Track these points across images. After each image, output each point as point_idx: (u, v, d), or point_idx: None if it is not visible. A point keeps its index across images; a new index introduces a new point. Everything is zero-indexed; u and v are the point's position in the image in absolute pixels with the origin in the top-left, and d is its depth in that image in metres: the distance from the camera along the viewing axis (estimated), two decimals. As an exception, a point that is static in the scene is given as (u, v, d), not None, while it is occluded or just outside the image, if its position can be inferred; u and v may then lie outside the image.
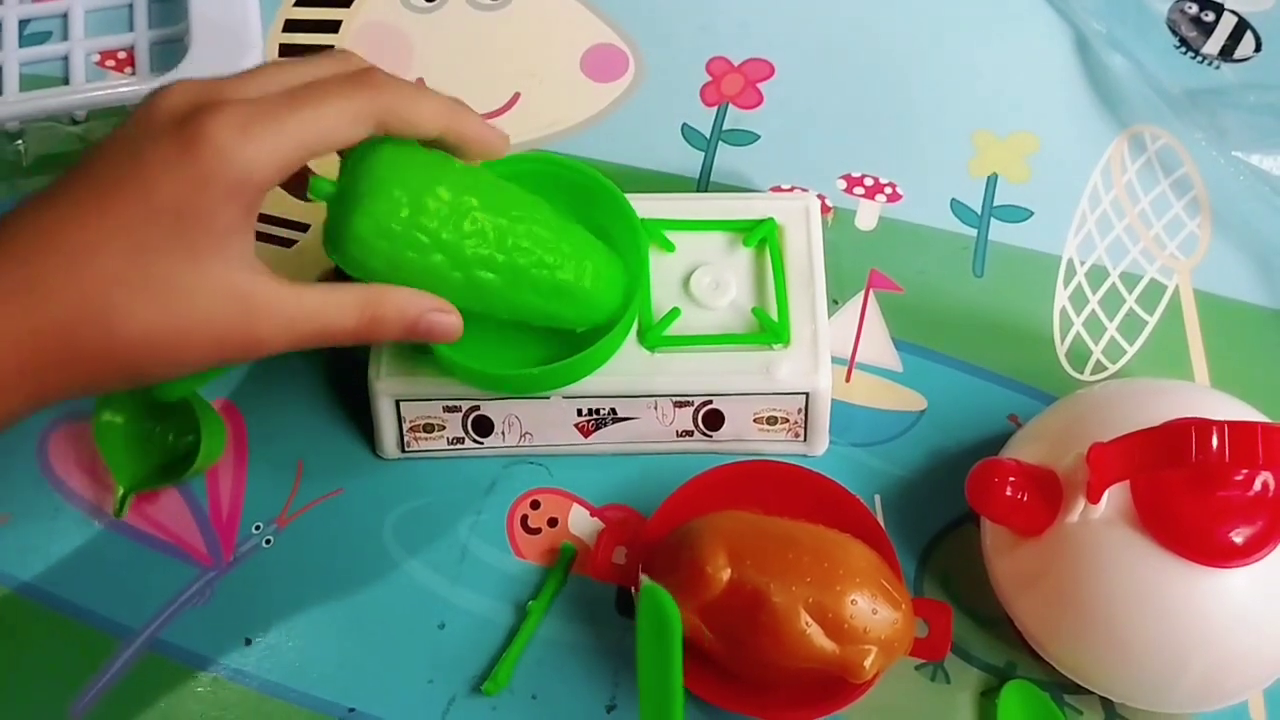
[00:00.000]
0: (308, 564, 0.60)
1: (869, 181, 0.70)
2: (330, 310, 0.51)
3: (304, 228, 0.68)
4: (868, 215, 0.69)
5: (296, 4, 0.76)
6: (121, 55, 0.73)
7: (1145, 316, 0.66)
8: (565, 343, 0.58)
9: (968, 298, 0.66)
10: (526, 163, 0.61)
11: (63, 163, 0.70)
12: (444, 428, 0.61)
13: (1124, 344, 0.65)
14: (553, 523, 0.61)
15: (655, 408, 0.60)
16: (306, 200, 0.53)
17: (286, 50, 0.74)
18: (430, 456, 0.62)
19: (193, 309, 0.48)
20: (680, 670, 0.49)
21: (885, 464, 0.62)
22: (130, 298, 0.47)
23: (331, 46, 0.74)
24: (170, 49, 0.73)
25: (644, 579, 0.53)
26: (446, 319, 0.54)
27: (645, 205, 0.63)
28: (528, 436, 0.61)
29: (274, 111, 0.48)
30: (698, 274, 0.62)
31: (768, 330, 0.60)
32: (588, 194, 0.60)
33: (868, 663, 0.52)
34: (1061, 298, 0.67)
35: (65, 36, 0.74)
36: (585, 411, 0.60)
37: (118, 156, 0.48)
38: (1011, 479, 0.54)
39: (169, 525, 0.61)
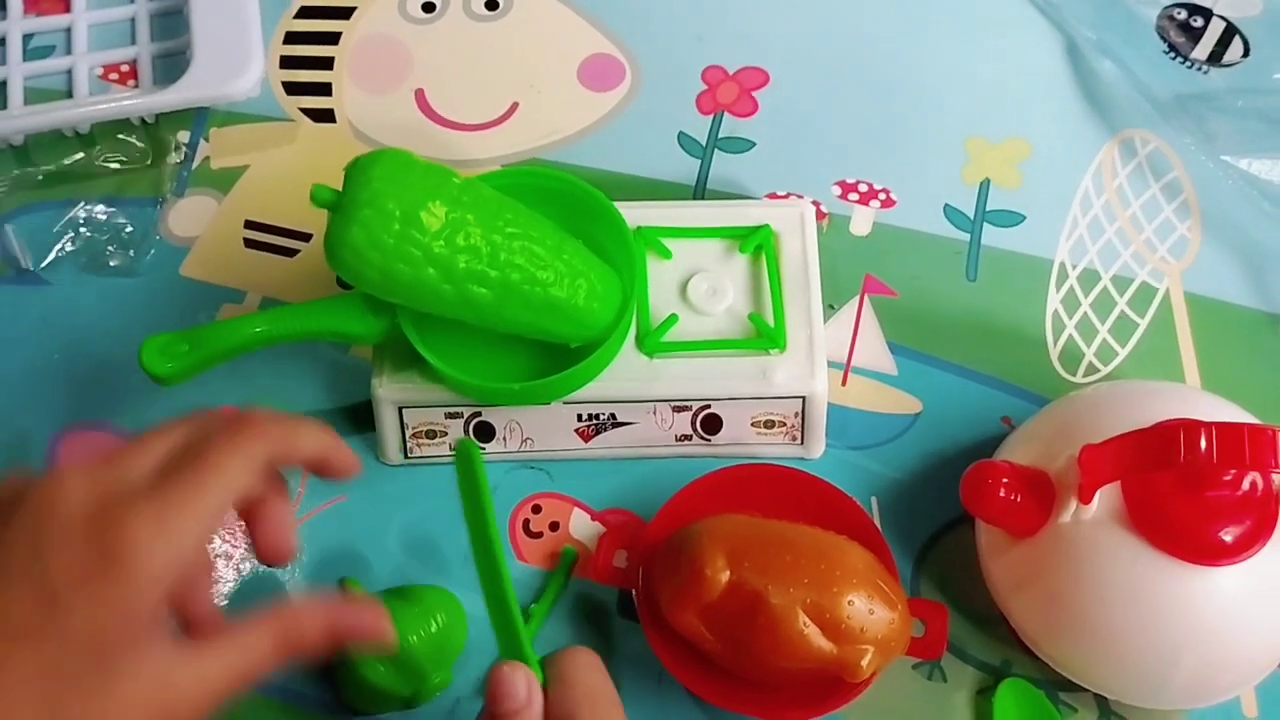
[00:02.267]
0: (313, 570, 0.61)
1: (863, 188, 0.71)
2: (251, 658, 0.47)
3: (306, 237, 0.69)
4: (862, 221, 0.70)
5: (297, 16, 0.76)
6: (124, 69, 0.74)
7: (1136, 319, 0.67)
8: (562, 352, 0.59)
9: (961, 302, 0.67)
10: (519, 176, 0.61)
11: (67, 175, 0.71)
12: (446, 434, 0.62)
13: (1116, 346, 0.66)
14: (554, 527, 0.61)
15: (654, 413, 0.61)
16: None
17: (287, 62, 0.75)
18: (433, 462, 0.62)
19: None
20: (491, 512, 0.50)
21: (881, 466, 0.63)
22: None
23: (331, 60, 0.75)
24: (172, 62, 0.73)
25: (460, 440, 0.53)
26: (368, 622, 0.50)
27: (642, 213, 0.64)
28: (529, 442, 0.62)
29: (181, 495, 0.45)
30: (695, 281, 0.63)
31: (764, 335, 0.61)
32: (581, 206, 0.61)
33: (865, 662, 0.53)
34: (1054, 301, 0.67)
35: (69, 50, 0.74)
36: (585, 417, 0.61)
37: (18, 578, 0.43)
38: (1005, 480, 0.55)
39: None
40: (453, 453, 0.61)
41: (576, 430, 0.62)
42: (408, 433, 0.61)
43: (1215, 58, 0.75)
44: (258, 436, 0.48)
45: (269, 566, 0.53)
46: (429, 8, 0.76)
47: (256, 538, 0.51)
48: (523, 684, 0.47)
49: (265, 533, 0.50)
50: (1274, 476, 0.53)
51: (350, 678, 0.56)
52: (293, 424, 0.50)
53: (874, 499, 0.62)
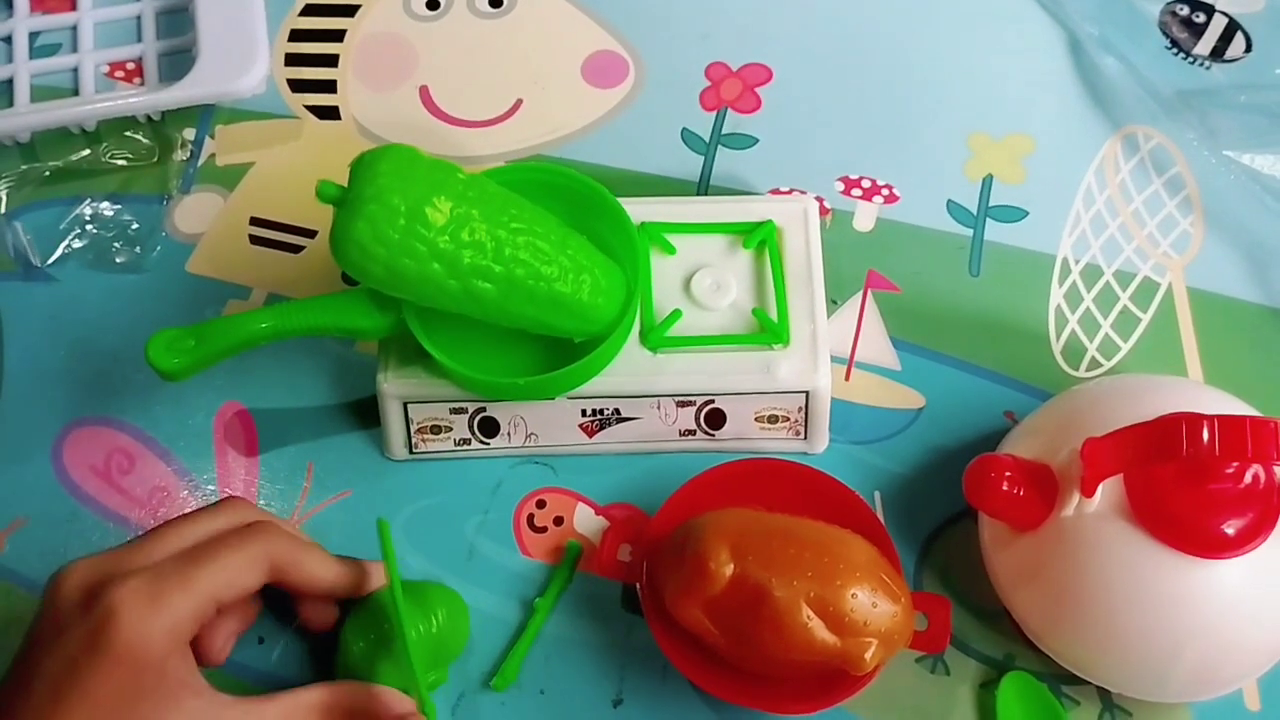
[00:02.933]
0: (318, 564, 0.61)
1: (866, 183, 0.71)
2: (301, 714, 0.51)
3: (312, 234, 0.69)
4: (865, 217, 0.70)
5: (302, 14, 0.77)
6: (130, 66, 0.74)
7: (1139, 314, 0.67)
8: (566, 347, 0.59)
9: (964, 297, 0.67)
10: (524, 172, 0.62)
11: (73, 172, 0.71)
12: (451, 429, 0.62)
13: (1118, 341, 0.66)
14: (558, 521, 0.62)
15: (658, 407, 0.61)
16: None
17: (292, 59, 0.75)
18: (438, 457, 0.63)
19: None
20: (395, 567, 0.54)
21: (884, 461, 0.63)
22: None
23: (336, 58, 0.75)
24: (178, 60, 0.74)
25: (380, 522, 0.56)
26: (401, 712, 0.53)
27: (646, 209, 0.64)
28: (533, 437, 0.62)
29: (178, 573, 0.49)
30: (699, 276, 0.63)
31: (768, 330, 0.61)
32: (586, 202, 0.61)
33: (868, 655, 0.53)
34: (1056, 296, 0.67)
35: (75, 48, 0.75)
36: (589, 412, 0.61)
37: (44, 662, 0.48)
38: (1008, 474, 0.55)
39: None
40: (457, 447, 0.62)
41: (580, 425, 0.62)
42: (413, 428, 0.62)
43: (1217, 53, 0.75)
44: (264, 543, 0.52)
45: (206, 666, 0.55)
46: (433, 5, 0.77)
47: (301, 606, 0.56)
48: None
49: (309, 602, 0.56)
50: (1276, 469, 0.53)
51: (344, 663, 0.56)
52: (305, 546, 0.54)
53: (877, 494, 0.62)
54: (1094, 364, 0.66)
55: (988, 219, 0.70)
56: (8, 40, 0.75)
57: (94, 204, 0.70)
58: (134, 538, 0.52)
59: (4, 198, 0.70)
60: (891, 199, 0.70)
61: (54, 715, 0.46)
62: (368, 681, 0.54)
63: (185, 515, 0.53)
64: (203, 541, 0.51)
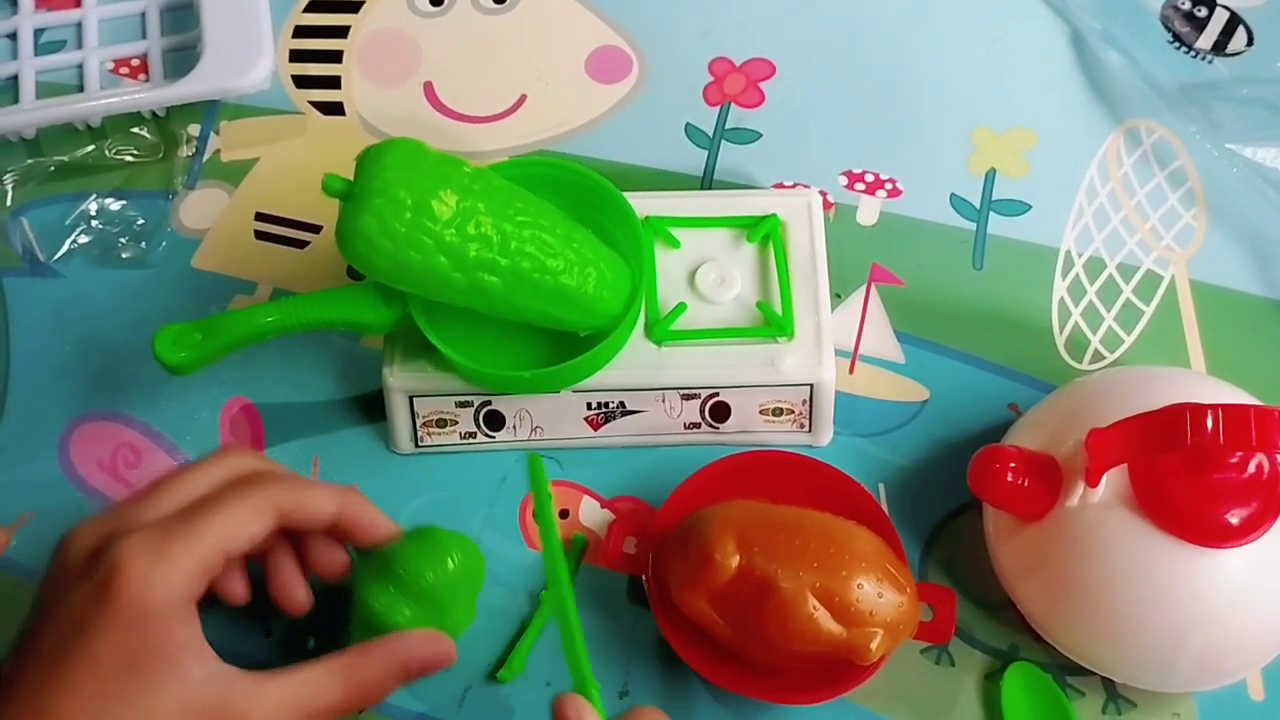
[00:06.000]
0: (325, 557, 0.61)
1: (870, 178, 0.71)
2: (314, 698, 0.49)
3: (317, 229, 0.69)
4: (869, 211, 0.70)
5: (306, 10, 0.77)
6: (135, 63, 0.75)
7: (1142, 306, 0.67)
8: (572, 340, 0.60)
9: (968, 290, 0.67)
10: (529, 166, 0.62)
11: (78, 168, 0.71)
12: (456, 422, 0.62)
13: (1121, 334, 0.66)
14: (564, 514, 0.62)
15: (663, 400, 0.61)
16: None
17: (297, 55, 0.75)
18: (443, 451, 0.63)
19: None
20: (553, 521, 0.53)
21: (889, 453, 0.63)
22: None
23: (340, 54, 0.75)
24: (183, 56, 0.74)
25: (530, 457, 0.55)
26: (434, 651, 0.52)
27: (651, 203, 0.64)
28: (538, 430, 0.62)
29: (183, 526, 0.48)
30: (703, 270, 0.63)
31: (772, 324, 0.61)
32: (590, 196, 0.61)
33: (874, 645, 0.53)
34: (1060, 289, 0.68)
35: (79, 45, 0.75)
36: (594, 405, 0.61)
37: (49, 623, 0.47)
38: (1012, 465, 0.55)
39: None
40: (463, 440, 0.62)
41: (586, 418, 0.62)
42: (418, 421, 0.62)
43: (1219, 47, 0.75)
44: (267, 492, 0.51)
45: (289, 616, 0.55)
46: (437, 1, 0.77)
47: (271, 590, 0.54)
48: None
49: (278, 585, 0.54)
50: (1280, 459, 0.53)
51: (366, 621, 0.54)
52: (304, 484, 0.53)
53: (882, 486, 0.62)
54: (1097, 356, 0.66)
55: (991, 212, 0.70)
56: (13, 37, 0.75)
57: (99, 200, 0.70)
58: (136, 493, 0.51)
59: (10, 194, 0.70)
60: (895, 193, 0.70)
61: (57, 677, 0.46)
62: (403, 629, 0.53)
63: (186, 467, 0.52)
64: (206, 494, 0.50)
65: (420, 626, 0.53)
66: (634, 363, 0.61)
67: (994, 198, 0.70)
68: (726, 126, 0.73)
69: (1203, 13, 0.76)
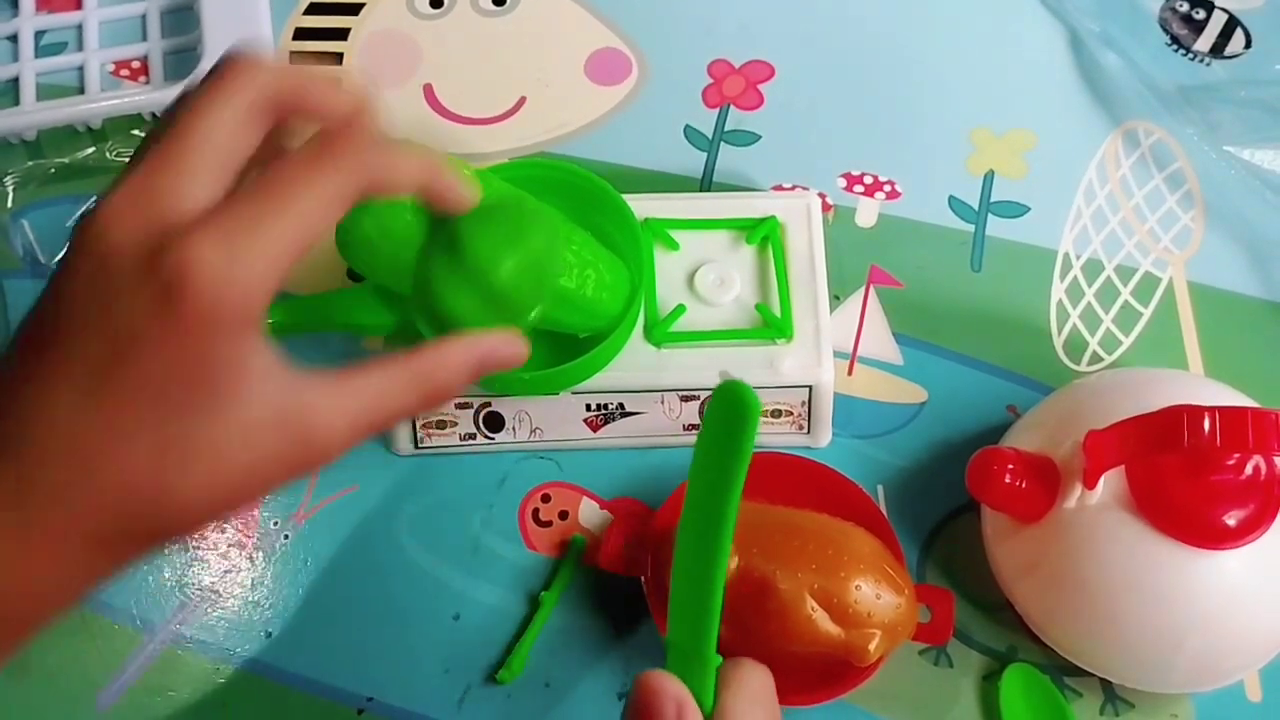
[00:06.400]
0: (325, 559, 0.61)
1: (868, 179, 0.71)
2: (387, 399, 0.44)
3: (317, 231, 0.69)
4: (868, 212, 0.70)
5: (307, 12, 0.77)
6: (135, 65, 0.75)
7: (1140, 308, 0.67)
8: (571, 342, 0.60)
9: (966, 292, 0.68)
10: (528, 168, 0.62)
11: (79, 170, 0.71)
12: (456, 424, 0.62)
13: (1120, 335, 0.67)
14: (563, 515, 0.62)
15: (662, 402, 0.61)
16: None
17: (297, 57, 0.75)
18: (443, 452, 0.63)
19: (243, 455, 0.41)
20: (743, 476, 0.43)
21: (887, 455, 0.63)
22: (175, 476, 0.40)
23: (340, 56, 0.75)
24: (183, 58, 0.74)
25: (723, 374, 0.48)
26: (505, 353, 0.48)
27: (650, 205, 0.64)
28: (538, 432, 0.63)
29: (251, 219, 0.40)
30: (702, 271, 0.63)
31: (771, 326, 0.61)
32: (589, 198, 0.61)
33: (872, 646, 0.53)
34: (1058, 291, 0.68)
35: (80, 47, 0.75)
36: (594, 407, 0.62)
37: (89, 324, 0.40)
38: (1010, 467, 0.55)
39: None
40: (462, 442, 0.62)
41: (585, 420, 0.62)
42: (418, 423, 0.62)
43: (1217, 49, 0.75)
44: (348, 170, 0.42)
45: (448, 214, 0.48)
46: (437, 3, 0.77)
47: (436, 209, 0.48)
48: (672, 708, 0.41)
49: (445, 204, 0.47)
50: (1277, 460, 0.53)
51: (430, 315, 0.50)
52: (389, 152, 0.44)
53: (880, 487, 0.63)
54: (1095, 358, 0.66)
55: (989, 214, 0.70)
56: (13, 39, 0.75)
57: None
58: (158, 152, 0.41)
59: (10, 196, 0.70)
60: (893, 195, 0.71)
61: (104, 396, 0.39)
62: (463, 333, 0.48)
63: (203, 101, 0.41)
64: (274, 178, 0.41)
65: (488, 323, 0.49)
66: (633, 364, 0.61)
67: (992, 199, 0.70)
68: (726, 128, 0.73)
69: (1201, 15, 0.76)
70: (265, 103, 0.42)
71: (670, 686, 0.41)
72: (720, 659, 0.43)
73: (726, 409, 0.42)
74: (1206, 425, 0.50)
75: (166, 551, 0.49)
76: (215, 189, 0.41)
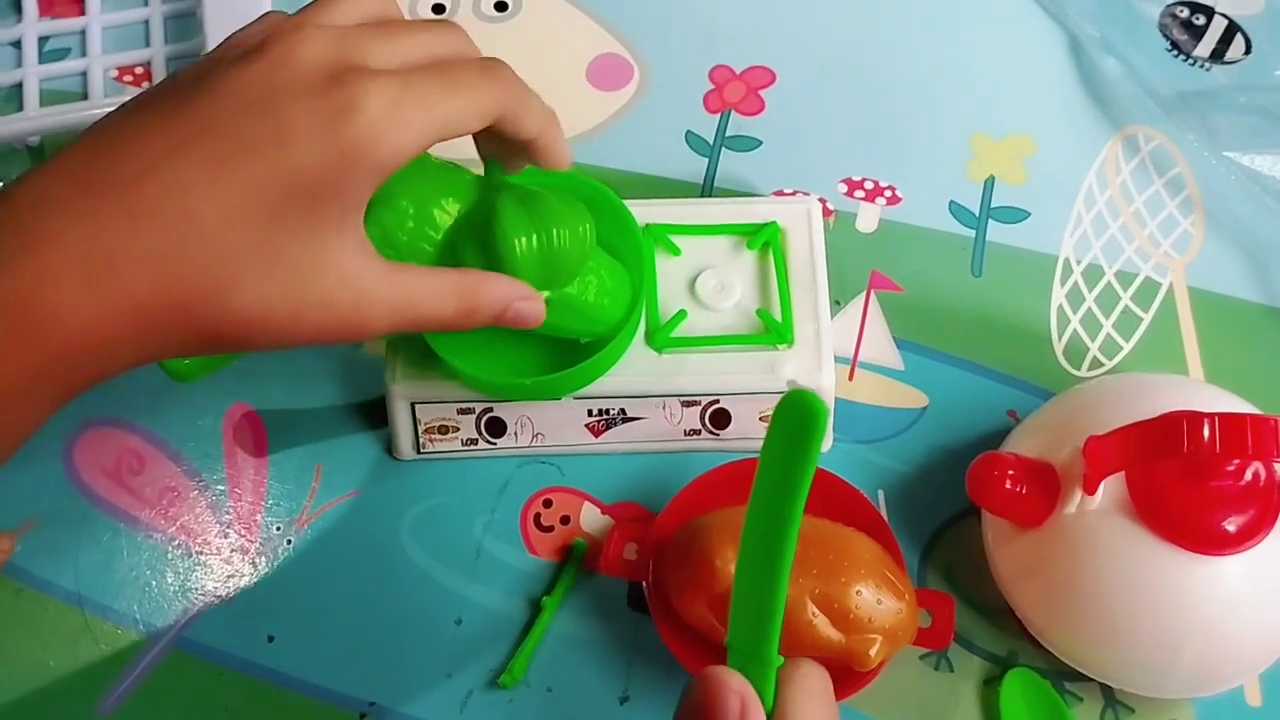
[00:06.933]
0: (327, 564, 0.61)
1: (869, 185, 0.71)
2: (431, 299, 0.49)
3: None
4: (868, 218, 0.70)
5: (308, 18, 0.77)
6: (139, 70, 0.75)
7: (1140, 314, 0.67)
8: (572, 348, 0.60)
9: (967, 297, 0.68)
10: (530, 174, 0.62)
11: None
12: (458, 429, 0.62)
13: (1120, 341, 0.67)
14: (565, 520, 0.62)
15: (664, 407, 0.62)
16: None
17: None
18: (445, 457, 0.63)
19: (311, 291, 0.45)
20: (808, 483, 0.43)
21: (888, 460, 0.63)
22: (256, 276, 0.44)
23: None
24: (186, 64, 0.74)
25: (791, 383, 0.51)
26: (531, 306, 0.53)
27: (651, 210, 0.64)
28: (540, 437, 0.63)
29: (423, 93, 0.46)
30: (703, 277, 0.63)
31: (772, 331, 0.62)
32: (590, 204, 0.61)
33: (873, 651, 0.53)
34: (1058, 296, 0.68)
35: (83, 53, 0.75)
36: (595, 412, 0.62)
37: (249, 110, 0.44)
38: (1011, 472, 0.55)
39: (192, 527, 0.62)
40: (464, 447, 0.63)
41: (587, 425, 0.62)
42: (420, 428, 0.62)
43: (1217, 55, 0.75)
44: (500, 91, 0.49)
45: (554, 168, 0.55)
46: (438, 9, 0.77)
47: (541, 161, 0.54)
48: (735, 702, 0.41)
49: (549, 156, 0.54)
50: (1276, 466, 0.54)
51: (485, 242, 0.53)
52: (527, 94, 0.51)
53: (881, 492, 0.63)
54: (1096, 363, 0.66)
55: (990, 220, 0.70)
56: (17, 45, 0.75)
57: (103, 207, 0.70)
58: (376, 23, 0.48)
59: (14, 201, 0.70)
60: (894, 200, 0.71)
61: (230, 180, 0.43)
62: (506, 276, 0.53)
63: (424, 25, 0.50)
64: (447, 64, 0.48)
65: (532, 277, 0.53)
66: (635, 370, 0.61)
67: (993, 205, 0.71)
68: (727, 134, 0.73)
69: (1201, 20, 0.76)
70: (498, 109, 0.49)
71: (733, 681, 0.41)
72: (782, 660, 0.43)
73: (793, 417, 0.43)
74: (1206, 431, 0.50)
75: (183, 358, 0.53)
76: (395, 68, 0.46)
